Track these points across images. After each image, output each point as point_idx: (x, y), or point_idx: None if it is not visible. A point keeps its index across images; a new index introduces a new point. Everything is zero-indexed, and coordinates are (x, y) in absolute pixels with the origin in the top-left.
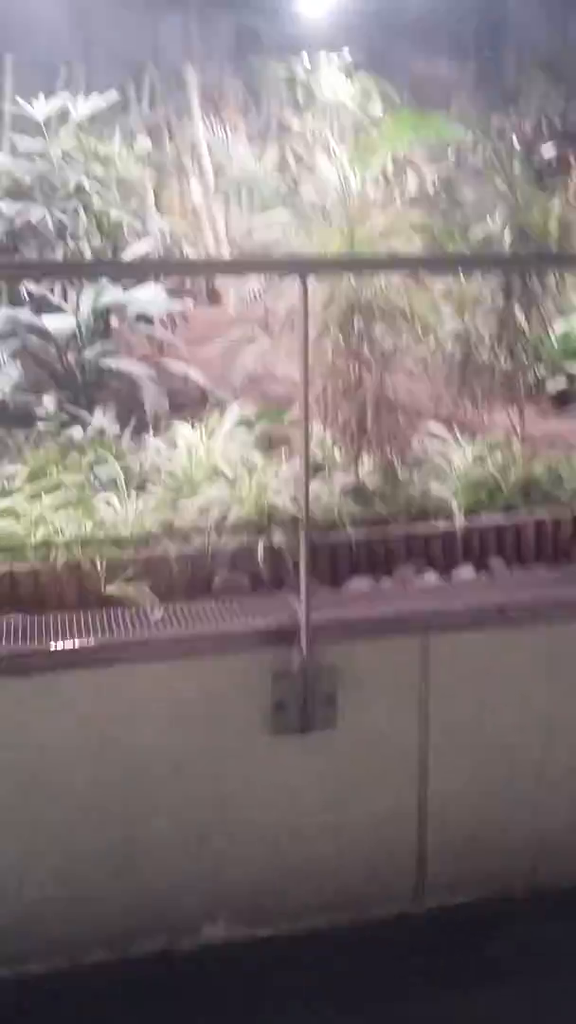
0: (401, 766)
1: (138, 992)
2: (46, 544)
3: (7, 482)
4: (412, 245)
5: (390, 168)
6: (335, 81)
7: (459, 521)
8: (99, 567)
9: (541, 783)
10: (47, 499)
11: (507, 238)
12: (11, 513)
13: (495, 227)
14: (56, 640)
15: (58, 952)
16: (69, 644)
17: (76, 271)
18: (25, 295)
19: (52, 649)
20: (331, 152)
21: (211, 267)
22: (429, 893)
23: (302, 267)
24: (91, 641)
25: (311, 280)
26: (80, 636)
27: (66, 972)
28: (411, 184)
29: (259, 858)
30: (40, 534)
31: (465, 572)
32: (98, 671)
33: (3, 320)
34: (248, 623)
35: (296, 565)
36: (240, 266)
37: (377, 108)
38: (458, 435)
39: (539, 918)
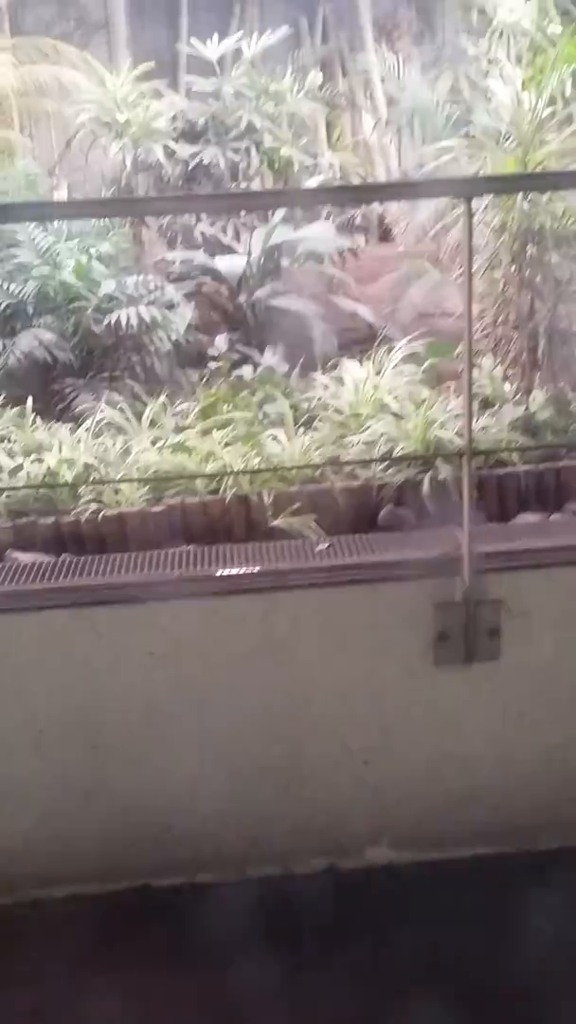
0: (569, 699)
1: (302, 908)
2: (215, 478)
3: (180, 419)
4: None
5: (568, 88)
6: (511, 1)
7: None
8: (266, 501)
9: None
10: (217, 435)
11: None
12: (183, 449)
13: None
14: (224, 567)
15: (228, 864)
16: (236, 570)
17: (245, 202)
18: (199, 237)
19: (220, 575)
20: (505, 76)
21: (374, 192)
22: None
23: (465, 188)
24: (256, 568)
25: (483, 209)
26: (246, 565)
27: (234, 883)
28: None
29: (422, 785)
30: (210, 469)
31: None
32: (264, 595)
33: (179, 262)
34: (411, 553)
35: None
36: (402, 190)
37: (556, 27)
38: None
39: None
